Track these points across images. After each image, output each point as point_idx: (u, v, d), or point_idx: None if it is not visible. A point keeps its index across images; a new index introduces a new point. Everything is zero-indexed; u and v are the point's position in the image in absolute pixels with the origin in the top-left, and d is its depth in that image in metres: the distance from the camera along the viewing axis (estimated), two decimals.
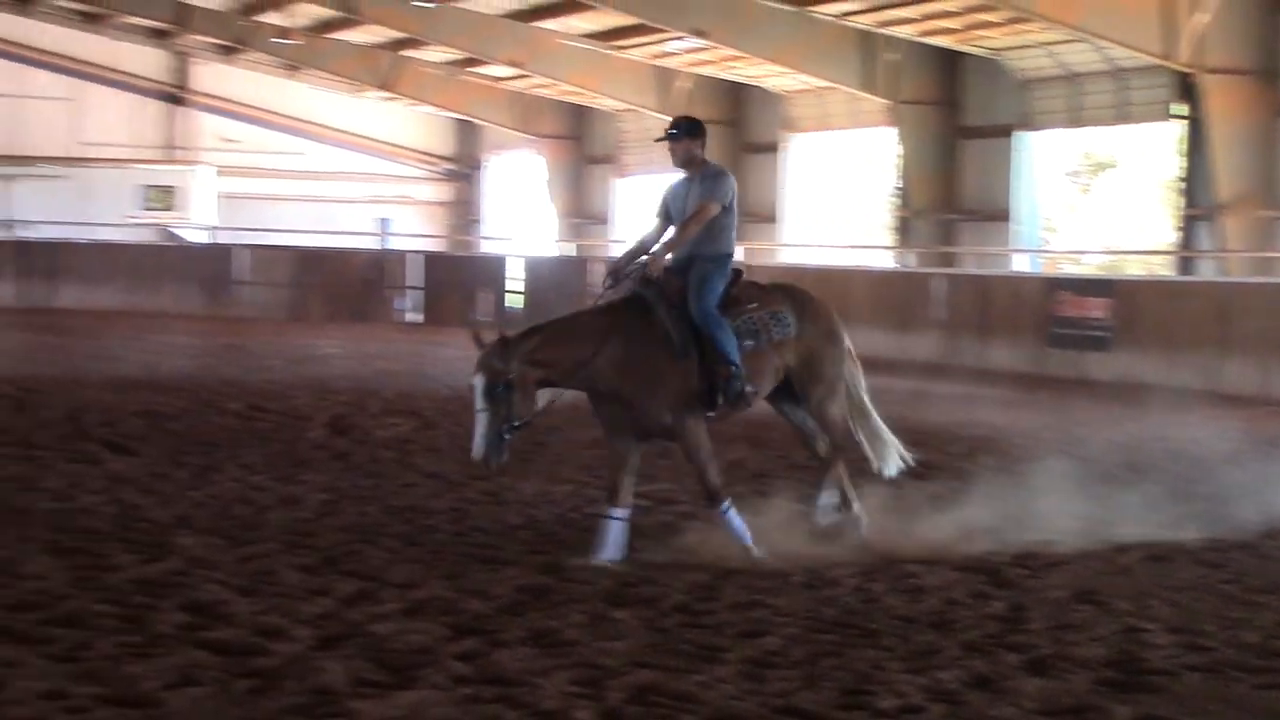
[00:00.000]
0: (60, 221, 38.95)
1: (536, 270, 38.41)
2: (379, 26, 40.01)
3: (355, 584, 8.64)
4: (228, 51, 47.99)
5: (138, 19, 46.15)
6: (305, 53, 44.83)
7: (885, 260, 34.44)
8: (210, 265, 38.19)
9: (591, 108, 44.62)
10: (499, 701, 6.67)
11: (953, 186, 32.71)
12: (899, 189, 33.52)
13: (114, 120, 48.72)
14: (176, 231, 42.72)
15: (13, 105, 46.76)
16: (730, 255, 10.35)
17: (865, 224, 39.04)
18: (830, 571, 9.38)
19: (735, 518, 9.90)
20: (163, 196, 44.21)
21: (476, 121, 49.28)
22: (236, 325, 31.96)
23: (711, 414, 10.01)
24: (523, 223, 49.19)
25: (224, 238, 41.69)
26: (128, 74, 49.10)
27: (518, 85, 44.28)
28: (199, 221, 43.79)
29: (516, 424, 9.53)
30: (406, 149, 51.83)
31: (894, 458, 11.00)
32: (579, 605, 8.35)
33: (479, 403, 9.44)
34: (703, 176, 10.28)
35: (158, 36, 48.18)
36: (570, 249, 43.98)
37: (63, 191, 42.33)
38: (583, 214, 45.73)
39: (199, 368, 21.80)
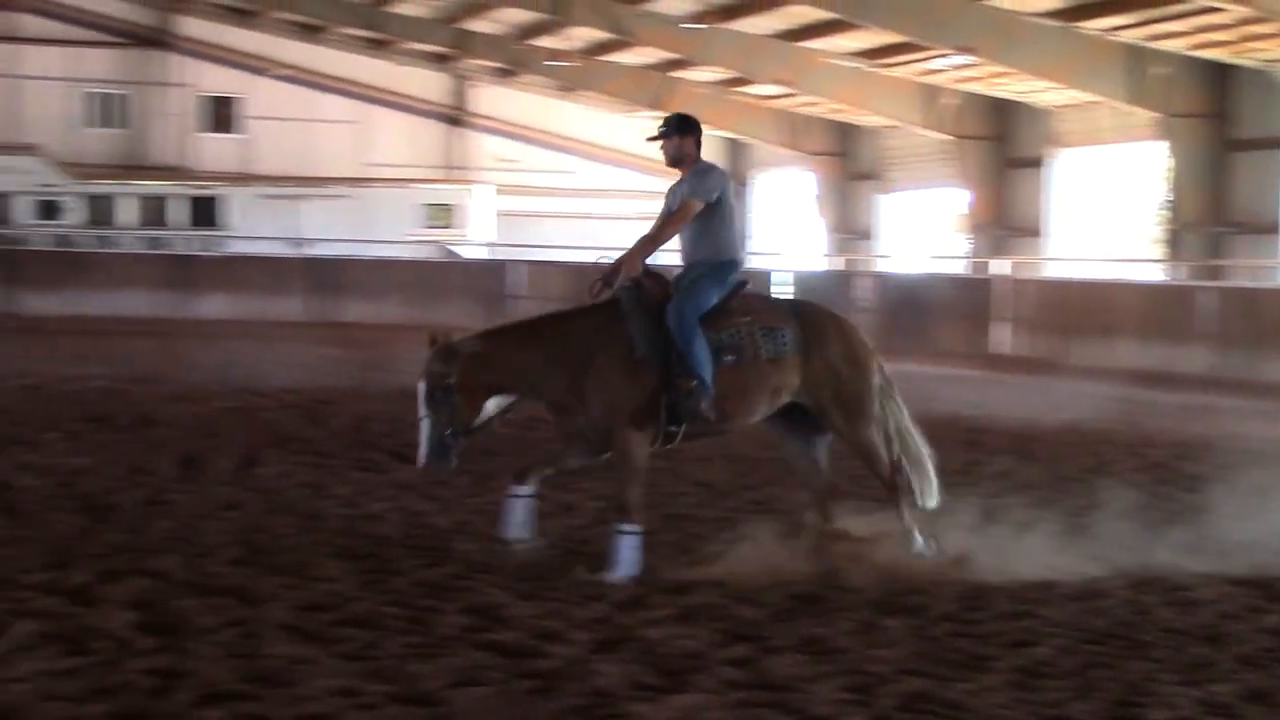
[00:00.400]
0: (345, 239, 40.15)
1: (805, 284, 38.40)
2: (651, 48, 40.47)
3: (629, 590, 8.78)
4: (504, 74, 49.03)
5: (420, 45, 47.50)
6: (579, 74, 45.55)
7: (1153, 274, 33.77)
8: (487, 280, 38.98)
9: (857, 125, 44.56)
10: (770, 707, 6.73)
11: (1222, 199, 31.94)
12: (1168, 202, 32.86)
13: (396, 141, 50.12)
14: (454, 248, 43.66)
15: (304, 129, 48.45)
16: (732, 262, 9.74)
17: (1132, 237, 38.32)
18: (1099, 583, 9.25)
19: (630, 546, 9.24)
20: (442, 214, 45.26)
21: (743, 139, 49.51)
22: None
23: (675, 429, 9.46)
24: (789, 238, 49.29)
25: (501, 254, 42.55)
26: (410, 97, 50.50)
27: (784, 103, 44.40)
28: (477, 238, 44.71)
29: (461, 431, 9.26)
30: None
31: (935, 490, 10.09)
32: (848, 613, 8.39)
33: (420, 409, 9.24)
34: (690, 174, 9.82)
35: (438, 61, 49.46)
36: (837, 264, 44.00)
37: (348, 210, 43.57)
38: (848, 229, 45.68)
39: None
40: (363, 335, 31.38)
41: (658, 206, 10.21)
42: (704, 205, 9.70)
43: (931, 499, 10.10)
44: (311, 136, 48.60)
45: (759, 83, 41.77)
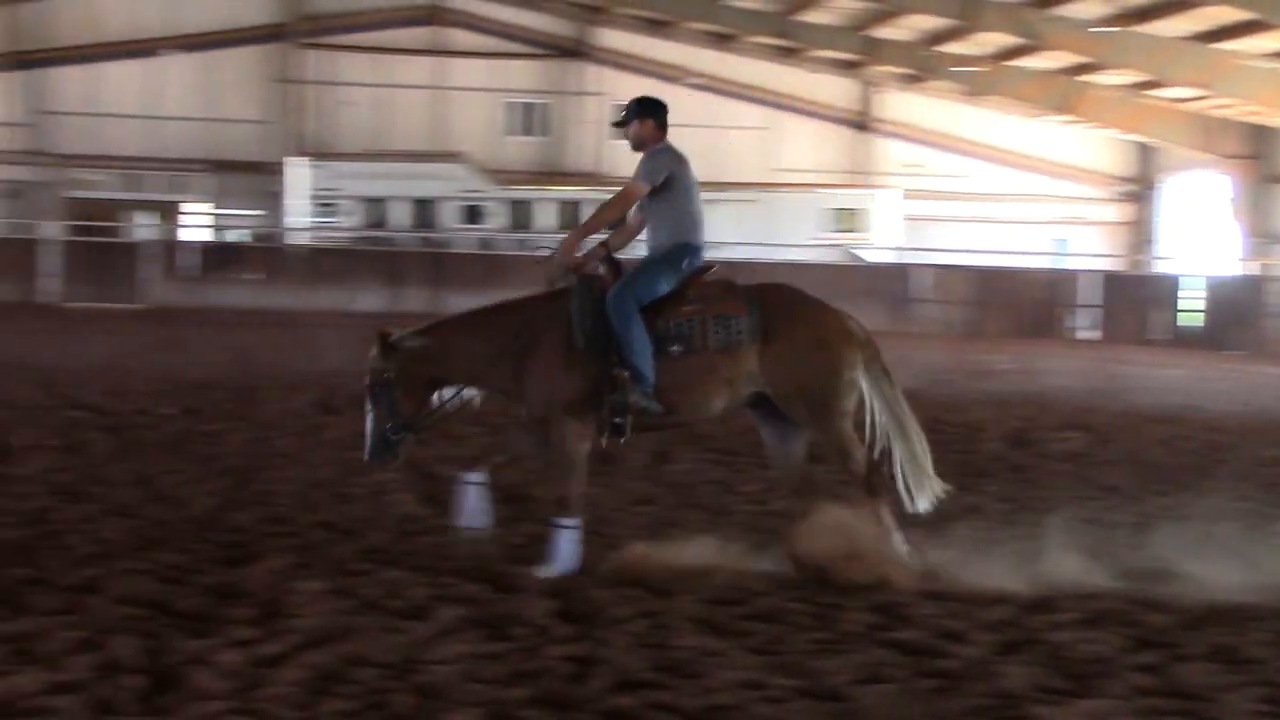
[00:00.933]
0: (753, 243, 40.60)
1: (1217, 290, 37.36)
2: (1060, 52, 39.84)
3: (1034, 592, 8.70)
4: (911, 80, 48.86)
5: (829, 52, 47.71)
6: (985, 79, 45.13)
7: None
8: (891, 284, 38.97)
9: (1273, 127, 42.99)
10: (1181, 715, 6.66)
11: None
12: None
13: (803, 147, 50.45)
14: (858, 252, 43.72)
15: (714, 135, 49.14)
16: (686, 246, 9.33)
17: None
18: None
19: (569, 540, 9.06)
20: (847, 218, 45.36)
21: (1153, 143, 48.26)
22: (916, 341, 32.47)
23: (619, 420, 9.09)
24: (1200, 242, 47.90)
25: (906, 258, 42.47)
26: (817, 103, 50.76)
27: (1197, 106, 43.11)
28: (881, 242, 44.67)
29: (403, 425, 9.17)
30: (1081, 170, 51.27)
31: (927, 492, 9.49)
32: (1263, 623, 8.18)
33: (367, 403, 9.22)
34: (643, 157, 9.51)
35: (846, 68, 49.58)
36: (1252, 268, 42.57)
37: (755, 214, 44.00)
38: (1263, 233, 44.05)
39: None
40: None
41: (1067, 210, 9.98)
42: (649, 188, 9.38)
43: (922, 502, 9.53)
44: (721, 142, 49.21)
45: (1171, 85, 40.64)
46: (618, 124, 9.77)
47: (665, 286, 9.26)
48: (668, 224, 9.42)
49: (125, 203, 47.85)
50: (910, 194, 47.55)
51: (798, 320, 9.35)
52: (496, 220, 45.04)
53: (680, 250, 9.37)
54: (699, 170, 9.89)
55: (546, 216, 45.02)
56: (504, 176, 46.51)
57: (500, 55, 50.33)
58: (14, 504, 10.70)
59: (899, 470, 9.54)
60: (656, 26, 49.56)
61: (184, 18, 48.51)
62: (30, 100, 47.87)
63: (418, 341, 9.27)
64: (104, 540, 9.53)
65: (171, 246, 42.09)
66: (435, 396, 9.46)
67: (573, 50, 50.62)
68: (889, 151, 51.34)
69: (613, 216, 9.55)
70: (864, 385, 9.43)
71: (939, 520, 10.95)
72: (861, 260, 42.68)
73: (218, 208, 48.75)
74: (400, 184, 44.92)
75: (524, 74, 50.46)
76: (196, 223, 48.98)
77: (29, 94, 47.89)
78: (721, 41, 49.44)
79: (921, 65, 46.11)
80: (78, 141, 47.49)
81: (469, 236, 44.46)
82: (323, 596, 8.23)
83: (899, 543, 9.20)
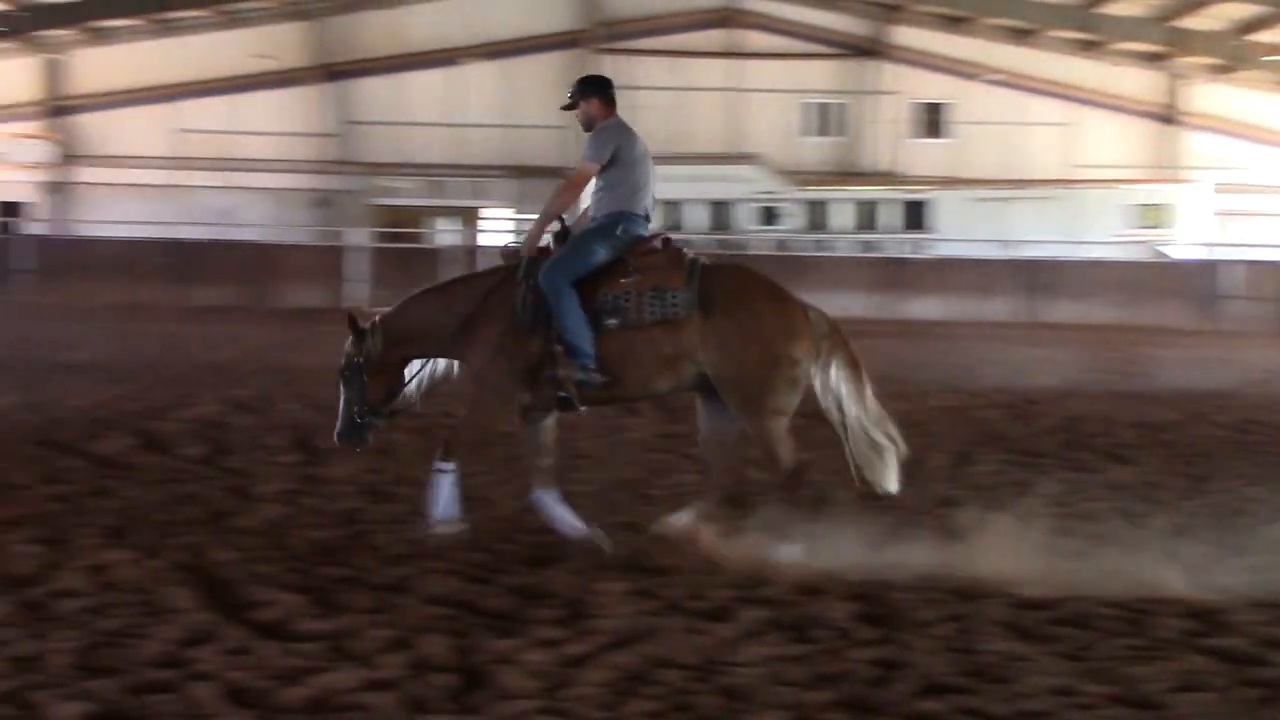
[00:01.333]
0: (1053, 240, 39.92)
1: None
2: None
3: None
4: (1220, 71, 47.55)
5: (1133, 45, 46.71)
6: None
7: None
8: (1199, 281, 37.95)
9: None
10: None
11: None
12: None
13: (1106, 142, 49.41)
14: (1163, 248, 42.63)
15: (1012, 132, 48.52)
16: (620, 214, 9.27)
17: None
18: None
19: (446, 484, 9.25)
20: (1152, 214, 44.23)
21: None
22: (1225, 340, 31.57)
23: (564, 395, 9.11)
24: None
25: (1215, 254, 41.31)
26: (1120, 97, 49.66)
27: None
28: (1189, 238, 43.49)
29: (370, 409, 9.33)
30: None
31: (891, 470, 9.33)
32: None
33: (339, 386, 9.36)
34: (590, 137, 9.43)
35: (1151, 60, 48.47)
36: None
37: (1056, 211, 43.22)
38: None
39: (1189, 380, 21.74)
40: (1071, 336, 31.12)
41: None
42: (597, 166, 9.35)
43: (890, 482, 9.40)
44: (1019, 139, 48.54)
45: None
46: (566, 107, 9.77)
47: (601, 256, 9.28)
48: (607, 195, 9.43)
49: (428, 209, 49.02)
50: (1220, 188, 46.21)
51: (742, 302, 9.17)
52: (793, 221, 44.91)
53: (616, 219, 9.38)
54: (996, 168, 9.74)
55: (843, 217, 44.78)
56: (800, 177, 46.38)
57: (795, 56, 50.27)
58: (326, 504, 11.00)
59: (853, 465, 9.44)
60: (954, 23, 49.05)
61: (485, 27, 49.54)
62: (339, 111, 49.40)
63: (384, 322, 9.55)
64: (412, 540, 9.72)
65: (473, 251, 42.89)
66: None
67: (869, 49, 50.32)
68: (1196, 145, 49.96)
69: (568, 201, 9.61)
70: (820, 380, 9.31)
71: (1249, 525, 10.66)
72: (1167, 257, 41.60)
73: (518, 213, 49.61)
74: (696, 186, 45.08)
75: (819, 74, 50.33)
76: (497, 228, 49.91)
77: (338, 105, 49.43)
78: (1021, 37, 48.75)
79: (1232, 55, 44.91)
80: (383, 150, 48.92)
81: (765, 238, 44.44)
82: (626, 597, 8.30)
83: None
